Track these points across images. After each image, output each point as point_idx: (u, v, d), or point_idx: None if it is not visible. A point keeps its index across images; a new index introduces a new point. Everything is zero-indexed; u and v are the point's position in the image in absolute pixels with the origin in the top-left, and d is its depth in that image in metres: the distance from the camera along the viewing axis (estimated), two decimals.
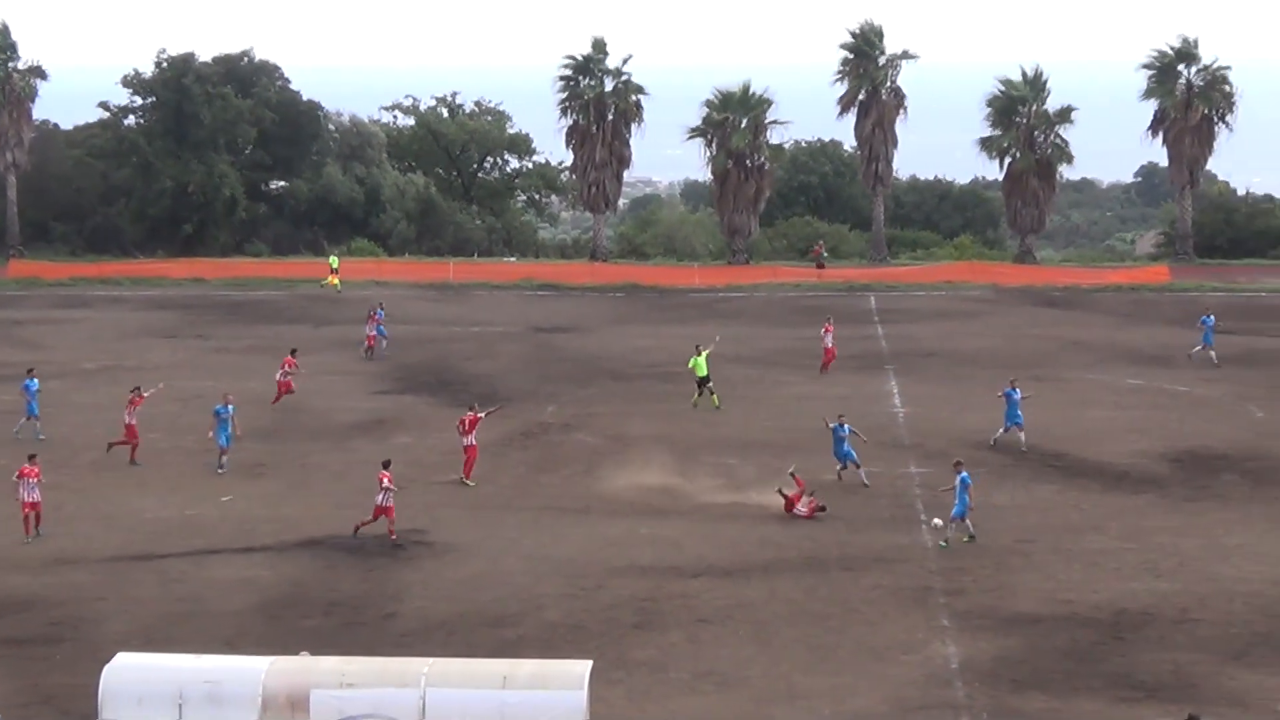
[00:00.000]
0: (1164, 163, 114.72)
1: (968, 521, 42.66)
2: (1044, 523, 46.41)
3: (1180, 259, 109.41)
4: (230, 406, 52.01)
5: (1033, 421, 56.90)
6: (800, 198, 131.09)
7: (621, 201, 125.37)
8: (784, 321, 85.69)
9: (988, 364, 72.00)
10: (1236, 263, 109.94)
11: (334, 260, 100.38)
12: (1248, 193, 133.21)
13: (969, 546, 43.12)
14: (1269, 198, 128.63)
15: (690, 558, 42.74)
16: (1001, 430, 53.73)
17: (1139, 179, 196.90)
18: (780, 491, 45.96)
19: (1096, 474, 52.00)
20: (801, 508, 45.29)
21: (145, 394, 53.51)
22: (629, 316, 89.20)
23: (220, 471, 50.64)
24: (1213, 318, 73.40)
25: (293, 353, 61.23)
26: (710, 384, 59.72)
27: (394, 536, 42.55)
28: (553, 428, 55.39)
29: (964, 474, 42.97)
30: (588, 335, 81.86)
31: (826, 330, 70.72)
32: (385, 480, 42.86)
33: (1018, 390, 54.36)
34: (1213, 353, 71.68)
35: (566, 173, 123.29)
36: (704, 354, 60.60)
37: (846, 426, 50.06)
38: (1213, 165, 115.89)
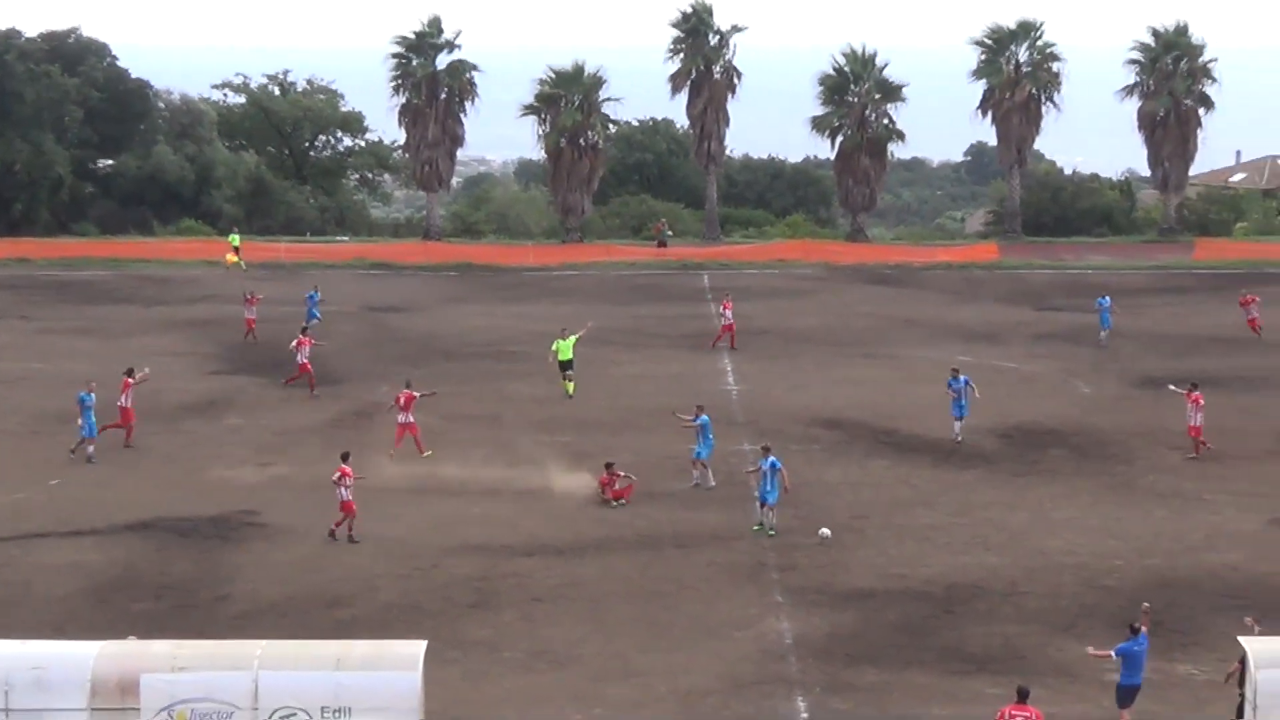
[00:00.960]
0: (993, 142, 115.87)
1: (772, 513, 42.25)
2: (877, 499, 46.38)
3: (1009, 237, 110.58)
4: (92, 395, 50.23)
5: (864, 398, 57.05)
6: (634, 176, 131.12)
7: (455, 180, 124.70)
8: (619, 300, 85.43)
9: (821, 341, 72.26)
10: (1063, 240, 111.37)
11: (235, 238, 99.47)
12: (1074, 171, 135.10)
13: (802, 524, 42.92)
14: (1094, 176, 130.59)
15: (523, 537, 42.40)
16: (957, 425, 52.55)
17: (969, 158, 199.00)
18: (608, 471, 45.24)
19: (927, 450, 52.14)
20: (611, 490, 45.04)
21: (137, 376, 51.64)
22: (463, 296, 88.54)
23: (90, 462, 49.43)
24: (1108, 299, 72.93)
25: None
26: (571, 370, 58.99)
27: (351, 533, 41.55)
28: (386, 408, 54.99)
29: (773, 459, 42.42)
30: (421, 315, 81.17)
31: (725, 307, 70.16)
32: (345, 475, 41.68)
33: (963, 378, 53.05)
34: (1103, 334, 71.43)
35: (399, 151, 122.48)
36: (571, 338, 59.90)
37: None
38: (1040, 145, 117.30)
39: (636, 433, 52.68)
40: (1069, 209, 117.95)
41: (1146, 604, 30.21)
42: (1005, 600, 36.73)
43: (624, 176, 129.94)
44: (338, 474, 41.43)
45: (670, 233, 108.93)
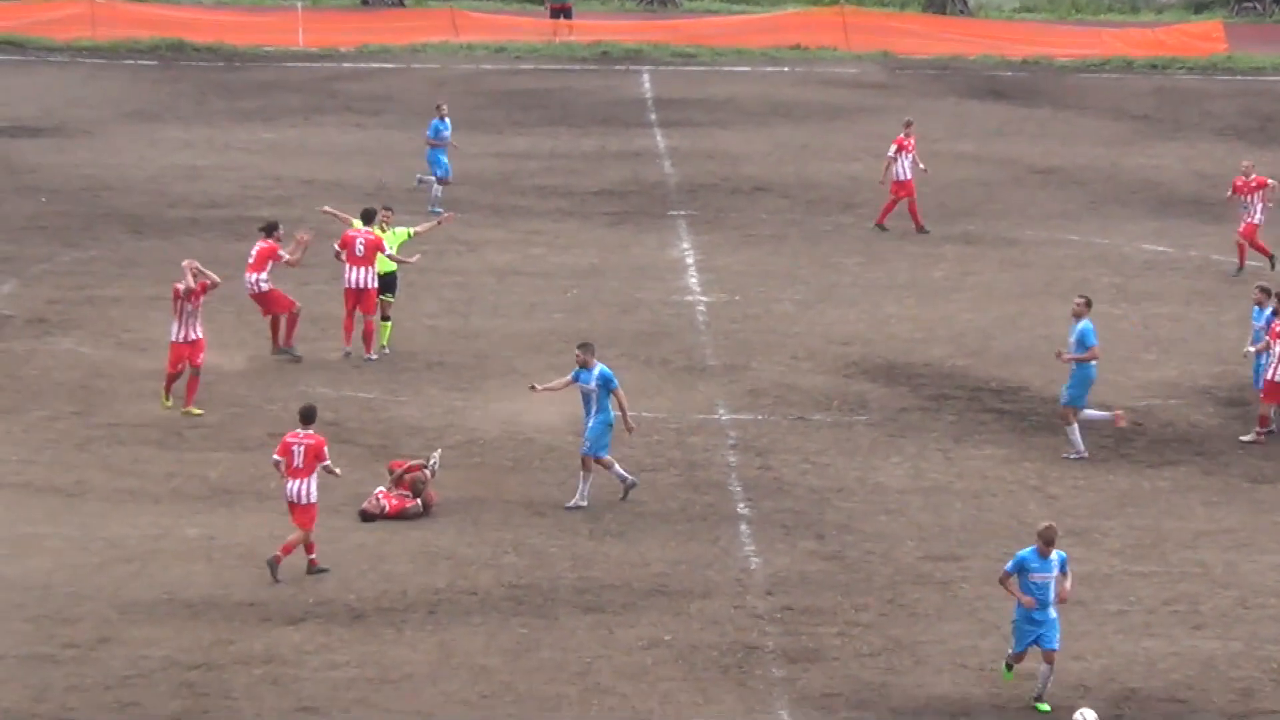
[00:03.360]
0: None
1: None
2: (980, 524, 34.21)
3: (1246, 12, 75.92)
4: None
5: (955, 326, 41.49)
6: None
7: None
8: (481, 123, 60.90)
9: (869, 212, 51.87)
10: None
11: None
12: None
13: (825, 576, 30.88)
14: None
15: (274, 587, 30.18)
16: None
17: None
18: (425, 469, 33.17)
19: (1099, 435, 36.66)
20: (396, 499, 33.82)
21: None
22: (162, 107, 68.44)
23: None
24: None
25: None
26: (393, 296, 41.52)
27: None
28: (13, 328, 40.50)
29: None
30: (81, 142, 62.12)
31: (903, 146, 49.48)
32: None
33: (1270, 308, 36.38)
34: None
35: None
36: (403, 231, 41.61)
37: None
38: None
39: (507, 384, 36.78)
40: None
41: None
42: None
43: None
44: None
45: None
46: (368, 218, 39.89)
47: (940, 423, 36.72)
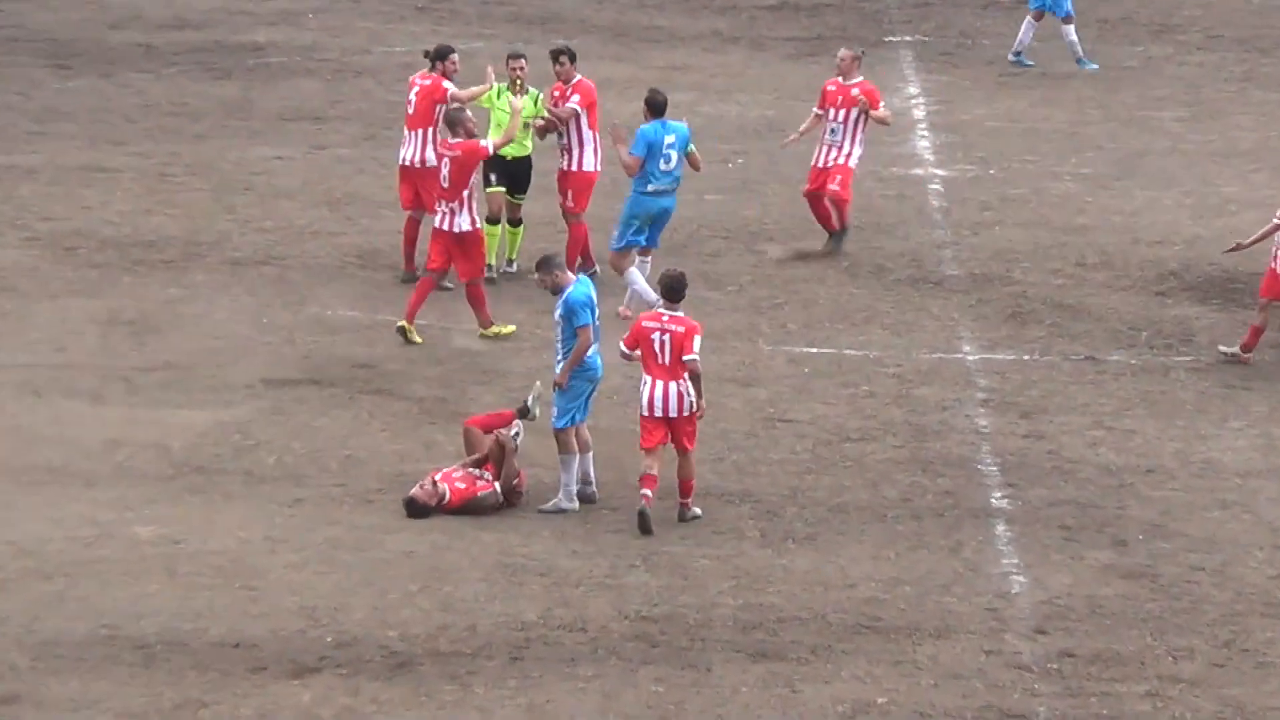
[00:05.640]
0: None
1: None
2: None
3: None
4: None
5: None
6: None
7: None
8: None
9: (1194, 33, 54.35)
10: None
11: None
12: None
13: None
14: None
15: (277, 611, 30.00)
16: None
17: None
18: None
19: None
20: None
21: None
22: None
23: None
24: None
25: None
26: (520, 201, 43.71)
27: None
28: None
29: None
30: None
31: None
32: None
33: None
34: None
35: None
36: (532, 94, 43.59)
37: None
38: None
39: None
40: None
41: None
42: None
43: None
44: None
45: None
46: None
47: None
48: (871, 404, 36.12)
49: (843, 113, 42.62)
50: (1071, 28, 52.25)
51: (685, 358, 31.68)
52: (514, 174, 42.93)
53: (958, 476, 33.90)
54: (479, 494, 32.93)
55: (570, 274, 35.14)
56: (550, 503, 33.83)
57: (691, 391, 30.22)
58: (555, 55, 42.64)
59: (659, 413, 31.10)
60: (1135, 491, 32.89)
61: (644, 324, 30.34)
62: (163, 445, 34.32)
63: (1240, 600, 30.21)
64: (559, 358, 33.32)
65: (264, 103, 48.15)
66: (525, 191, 43.41)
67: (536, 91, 43.05)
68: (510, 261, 43.96)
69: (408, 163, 41.60)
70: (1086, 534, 31.45)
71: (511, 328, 39.79)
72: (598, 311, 34.44)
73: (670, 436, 31.68)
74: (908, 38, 56.09)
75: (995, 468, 34.19)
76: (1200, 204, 44.79)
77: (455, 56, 42.73)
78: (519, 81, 43.14)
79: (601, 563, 31.29)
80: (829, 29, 56.59)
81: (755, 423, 34.44)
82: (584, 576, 31.00)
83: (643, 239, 37.88)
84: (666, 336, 31.68)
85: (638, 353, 31.51)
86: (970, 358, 38.30)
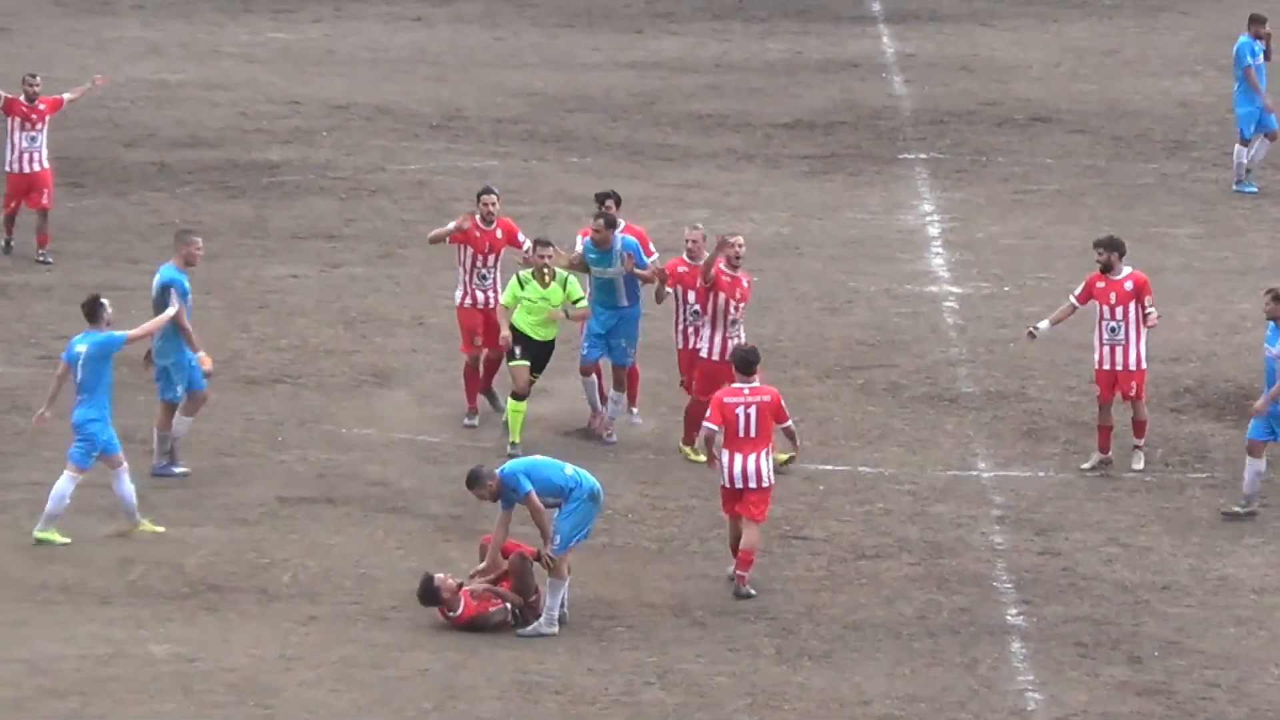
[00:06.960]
0: None
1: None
2: None
3: None
4: None
5: None
6: None
7: None
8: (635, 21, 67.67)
9: (1208, 152, 54.22)
10: None
11: None
12: None
13: None
14: None
15: None
16: None
17: None
18: None
19: None
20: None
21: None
22: None
23: None
24: None
25: None
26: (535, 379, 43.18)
27: None
28: None
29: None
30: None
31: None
32: None
33: None
34: None
35: None
36: (567, 282, 42.82)
37: None
38: None
39: (656, 424, 36.73)
40: None
41: None
42: None
43: None
44: None
45: None
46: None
47: None
48: (887, 521, 35.88)
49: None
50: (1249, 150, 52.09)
51: (782, 425, 32.29)
52: (538, 354, 42.55)
53: (973, 593, 33.64)
54: (489, 610, 32.77)
55: (494, 474, 33.69)
56: (530, 627, 33.55)
57: (766, 464, 30.48)
58: (601, 199, 41.01)
59: (739, 484, 31.35)
60: (1150, 608, 32.59)
61: (726, 400, 30.55)
62: (177, 563, 33.71)
63: (1256, 716, 29.95)
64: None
65: (278, 221, 47.62)
66: (542, 371, 43.34)
67: (565, 274, 42.83)
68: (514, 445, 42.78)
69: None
70: (1102, 651, 31.15)
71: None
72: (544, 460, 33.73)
73: (741, 506, 32.09)
74: (922, 155, 55.71)
75: (1010, 584, 33.92)
76: (1215, 321, 44.57)
77: (489, 198, 42.00)
78: (546, 271, 41.67)
79: (617, 680, 30.99)
80: (843, 146, 56.32)
81: (770, 540, 33.89)
82: (599, 694, 30.68)
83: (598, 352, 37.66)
84: (753, 409, 31.86)
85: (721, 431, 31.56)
86: (985, 474, 38.06)
